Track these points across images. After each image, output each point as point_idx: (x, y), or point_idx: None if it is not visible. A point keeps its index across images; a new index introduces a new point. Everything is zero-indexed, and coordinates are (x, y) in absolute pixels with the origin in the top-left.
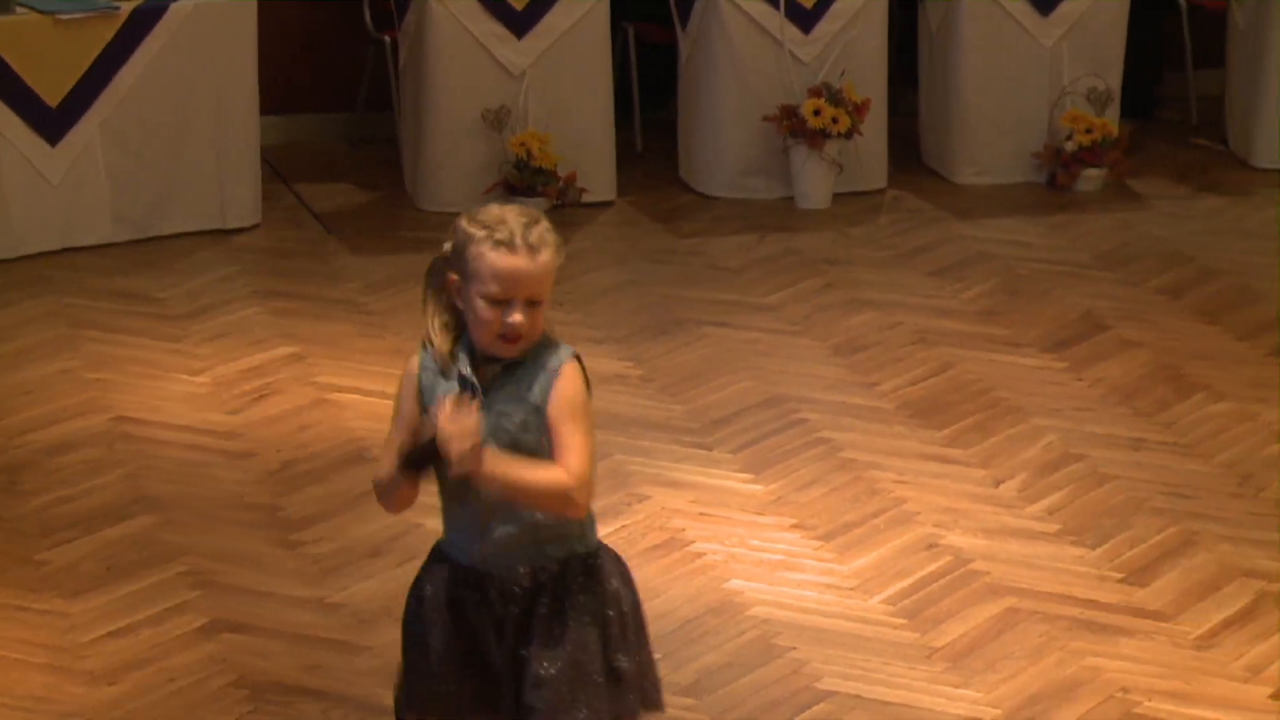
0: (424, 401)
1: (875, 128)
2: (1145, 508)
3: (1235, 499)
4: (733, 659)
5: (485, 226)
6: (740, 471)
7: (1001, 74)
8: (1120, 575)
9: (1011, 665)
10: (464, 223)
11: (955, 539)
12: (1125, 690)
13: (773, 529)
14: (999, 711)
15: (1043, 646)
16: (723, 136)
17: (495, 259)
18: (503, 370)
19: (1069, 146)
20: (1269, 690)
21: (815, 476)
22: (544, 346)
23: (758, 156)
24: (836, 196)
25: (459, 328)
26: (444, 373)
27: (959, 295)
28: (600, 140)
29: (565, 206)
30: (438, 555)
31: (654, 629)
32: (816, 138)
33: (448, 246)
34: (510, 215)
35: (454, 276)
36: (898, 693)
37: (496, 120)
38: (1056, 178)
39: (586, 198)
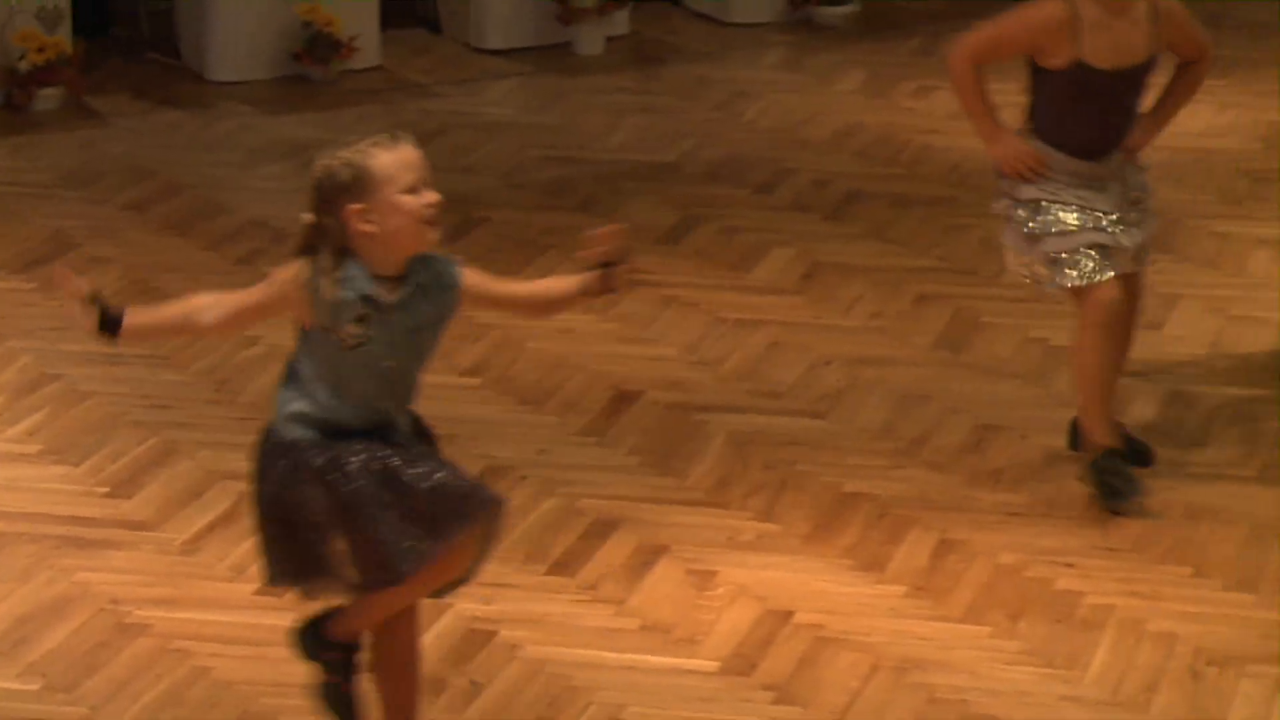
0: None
1: None
2: (125, 421)
3: (213, 405)
4: None
5: (358, 146)
6: None
7: None
8: (105, 490)
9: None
10: (339, 158)
11: None
12: (115, 601)
13: None
14: None
15: (31, 567)
16: None
17: (396, 154)
18: (412, 291)
19: (23, 66)
20: (252, 587)
21: None
22: (430, 261)
23: None
24: None
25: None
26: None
27: None
28: None
29: None
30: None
31: None
32: None
33: (328, 188)
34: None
35: (354, 206)
36: None
37: None
38: (13, 98)
39: None
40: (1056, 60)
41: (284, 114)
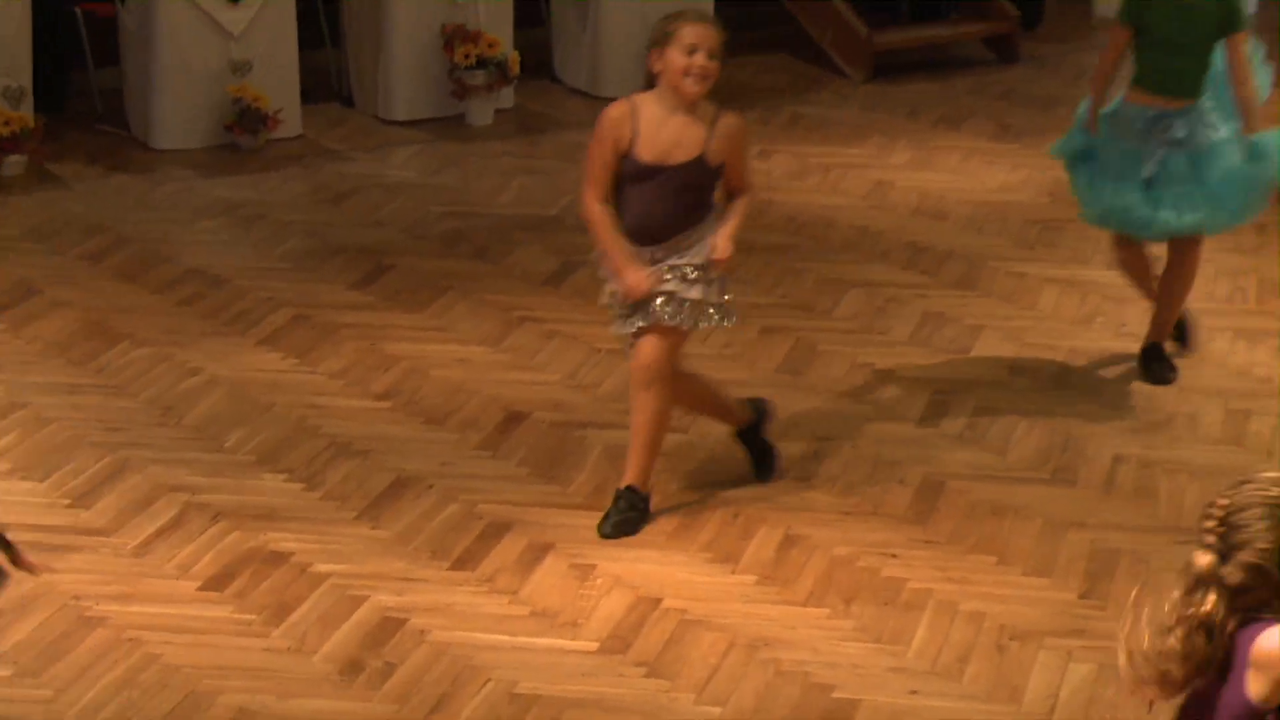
0: None
1: None
2: (84, 442)
3: (160, 428)
4: None
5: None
6: None
7: None
8: (67, 501)
9: None
10: None
11: None
12: (77, 598)
13: None
14: None
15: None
16: None
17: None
18: None
19: None
20: (196, 584)
21: None
22: None
23: None
24: None
25: None
26: None
27: None
28: None
29: None
30: None
31: None
32: None
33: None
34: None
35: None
36: None
37: None
38: None
39: None
40: (620, 150)
41: (219, 177)
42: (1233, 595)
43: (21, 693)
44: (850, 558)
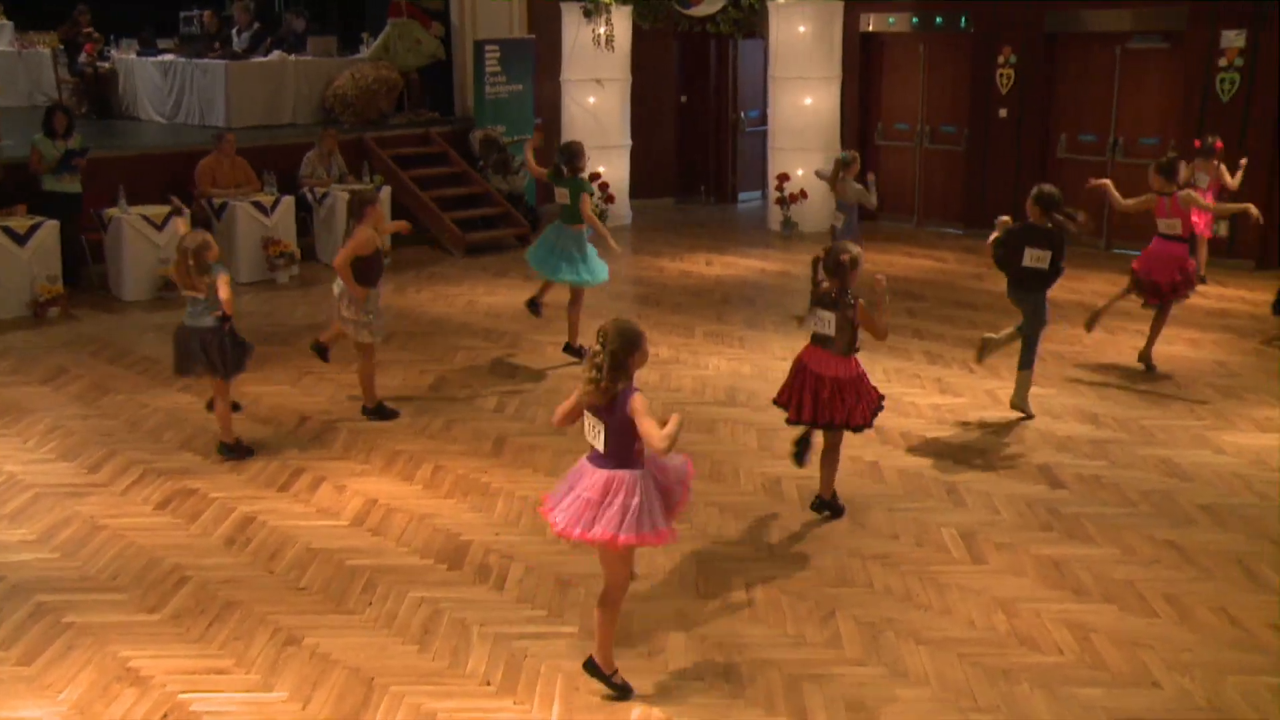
0: None
1: None
2: (92, 442)
3: (131, 434)
4: None
5: None
6: None
7: None
8: (86, 470)
9: None
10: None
11: None
12: (92, 517)
13: None
14: None
15: (54, 506)
16: None
17: None
18: None
19: (42, 297)
20: (151, 506)
21: None
22: None
23: None
24: None
25: None
26: None
27: None
28: None
29: None
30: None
31: None
32: None
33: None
34: None
35: None
36: None
37: None
38: (37, 312)
39: None
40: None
41: (157, 313)
42: (615, 363)
43: (64, 564)
44: (466, 474)
